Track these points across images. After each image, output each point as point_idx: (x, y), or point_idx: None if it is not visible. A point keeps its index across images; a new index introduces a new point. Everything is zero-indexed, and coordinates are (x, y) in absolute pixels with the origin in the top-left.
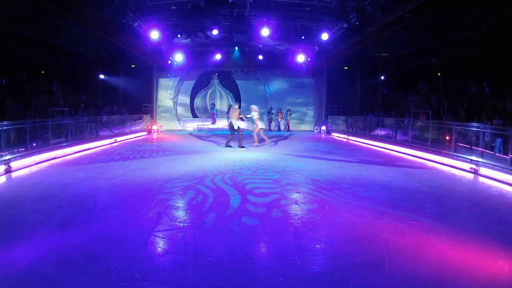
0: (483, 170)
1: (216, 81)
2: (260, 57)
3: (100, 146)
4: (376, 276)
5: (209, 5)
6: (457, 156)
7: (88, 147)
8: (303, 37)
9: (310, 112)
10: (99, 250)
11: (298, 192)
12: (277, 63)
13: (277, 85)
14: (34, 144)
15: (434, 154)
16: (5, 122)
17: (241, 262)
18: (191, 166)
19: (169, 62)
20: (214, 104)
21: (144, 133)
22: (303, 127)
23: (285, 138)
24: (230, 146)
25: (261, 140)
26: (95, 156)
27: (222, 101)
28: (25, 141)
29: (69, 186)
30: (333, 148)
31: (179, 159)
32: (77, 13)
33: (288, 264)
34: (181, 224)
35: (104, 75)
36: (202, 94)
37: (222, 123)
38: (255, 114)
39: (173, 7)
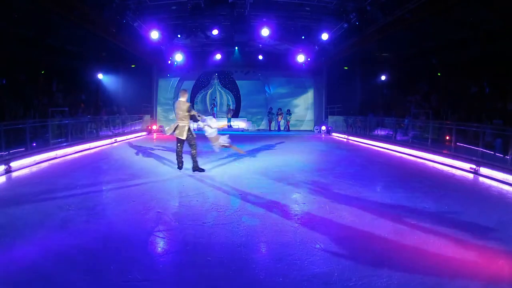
0: (483, 170)
1: (216, 81)
2: (260, 57)
3: (100, 146)
4: (376, 276)
5: (209, 5)
6: (457, 156)
7: (88, 147)
8: (303, 37)
9: (310, 112)
10: (99, 250)
11: (298, 192)
12: (277, 63)
13: (277, 85)
14: (34, 144)
15: (434, 154)
16: (5, 122)
17: (241, 262)
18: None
19: (169, 62)
20: (214, 104)
21: (144, 133)
22: (303, 127)
23: (285, 138)
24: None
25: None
26: (95, 156)
27: (222, 101)
28: (25, 141)
29: (69, 186)
30: (332, 148)
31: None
32: (77, 13)
33: (288, 264)
34: (181, 224)
35: (104, 75)
36: (202, 94)
37: (222, 123)
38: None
39: (173, 7)
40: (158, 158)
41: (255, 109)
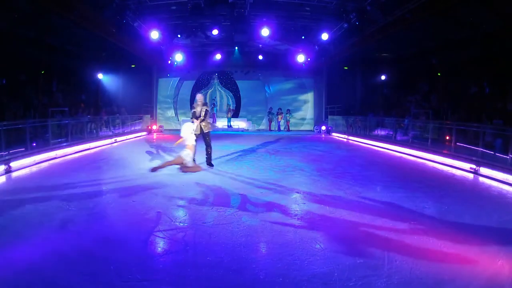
0: (483, 170)
1: (216, 81)
2: (260, 57)
3: (100, 146)
4: (376, 276)
5: (209, 5)
6: (457, 156)
7: (88, 147)
8: (303, 37)
9: (310, 112)
10: (99, 250)
11: (298, 192)
12: (277, 63)
13: (277, 85)
14: (34, 144)
15: (434, 154)
16: (5, 122)
17: (241, 262)
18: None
19: (169, 62)
20: (214, 104)
21: (144, 133)
22: (303, 127)
23: (285, 138)
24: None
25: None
26: (95, 156)
27: (222, 101)
28: (25, 141)
29: (69, 186)
30: (332, 148)
31: None
32: (77, 13)
33: (288, 264)
34: (181, 224)
35: (104, 75)
36: (202, 94)
37: (222, 123)
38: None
39: (173, 7)
40: (158, 158)
41: (255, 108)
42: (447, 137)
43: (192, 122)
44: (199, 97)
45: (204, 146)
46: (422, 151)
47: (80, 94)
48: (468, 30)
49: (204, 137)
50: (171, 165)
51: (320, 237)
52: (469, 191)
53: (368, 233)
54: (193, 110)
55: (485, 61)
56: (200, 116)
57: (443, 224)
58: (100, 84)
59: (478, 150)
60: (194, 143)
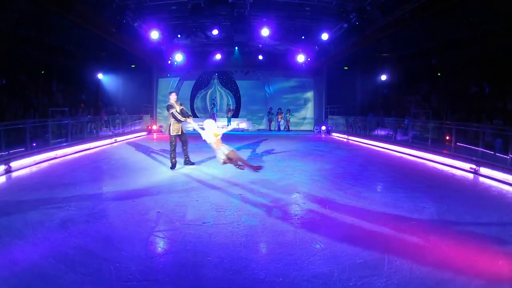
0: (483, 170)
1: (216, 81)
2: (260, 57)
3: (100, 146)
4: (376, 276)
5: (209, 5)
6: (457, 156)
7: (88, 147)
8: (303, 37)
9: (310, 112)
10: (99, 250)
11: (298, 192)
12: (277, 63)
13: (277, 85)
14: (34, 144)
15: (434, 154)
16: (5, 122)
17: (241, 262)
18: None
19: (169, 62)
20: (214, 104)
21: (144, 133)
22: (303, 127)
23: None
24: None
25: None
26: (95, 156)
27: (222, 101)
28: (25, 141)
29: (69, 186)
30: (332, 148)
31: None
32: (77, 13)
33: (288, 264)
34: (181, 224)
35: (104, 75)
36: (202, 94)
37: (222, 123)
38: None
39: (173, 7)
40: (158, 158)
41: (255, 108)
42: (447, 137)
43: (181, 121)
44: (173, 96)
45: (182, 147)
46: (422, 151)
47: (80, 94)
48: (468, 30)
49: (182, 136)
50: (239, 161)
51: (320, 237)
52: (469, 191)
53: (368, 233)
54: (173, 110)
55: (485, 61)
56: (190, 115)
57: (443, 224)
58: (100, 84)
59: (478, 150)
60: (219, 137)
